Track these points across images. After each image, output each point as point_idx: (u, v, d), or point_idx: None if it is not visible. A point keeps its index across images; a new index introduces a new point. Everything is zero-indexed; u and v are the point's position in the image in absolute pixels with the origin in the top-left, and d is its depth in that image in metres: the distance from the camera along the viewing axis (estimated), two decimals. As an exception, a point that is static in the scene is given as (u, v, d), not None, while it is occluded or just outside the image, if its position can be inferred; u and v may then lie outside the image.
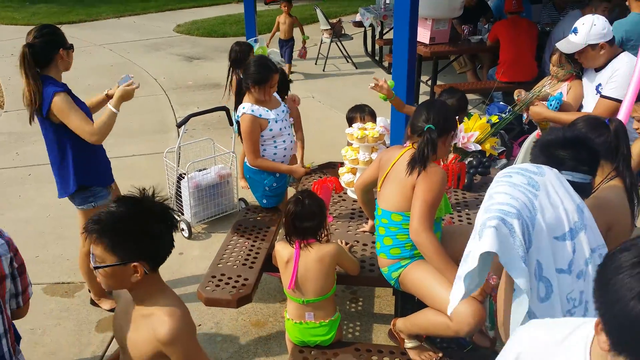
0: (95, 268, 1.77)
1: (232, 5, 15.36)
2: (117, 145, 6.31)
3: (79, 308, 3.76)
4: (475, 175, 3.67)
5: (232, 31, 12.08)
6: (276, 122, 3.60)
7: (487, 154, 3.38)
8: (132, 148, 6.16)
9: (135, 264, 1.74)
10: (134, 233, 1.73)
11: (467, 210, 3.37)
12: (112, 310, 3.73)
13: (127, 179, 3.87)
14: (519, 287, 1.75)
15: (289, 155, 3.77)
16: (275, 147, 3.66)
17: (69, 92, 3.16)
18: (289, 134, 3.72)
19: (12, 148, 6.36)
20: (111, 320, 3.62)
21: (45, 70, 3.14)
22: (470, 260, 1.83)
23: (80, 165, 3.29)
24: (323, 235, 2.67)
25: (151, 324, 1.77)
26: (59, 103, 3.06)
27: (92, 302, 3.80)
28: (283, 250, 2.70)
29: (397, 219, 2.58)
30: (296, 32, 8.90)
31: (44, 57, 3.11)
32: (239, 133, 3.69)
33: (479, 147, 3.21)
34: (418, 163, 2.49)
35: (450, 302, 1.96)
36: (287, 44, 8.70)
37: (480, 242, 1.78)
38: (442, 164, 3.35)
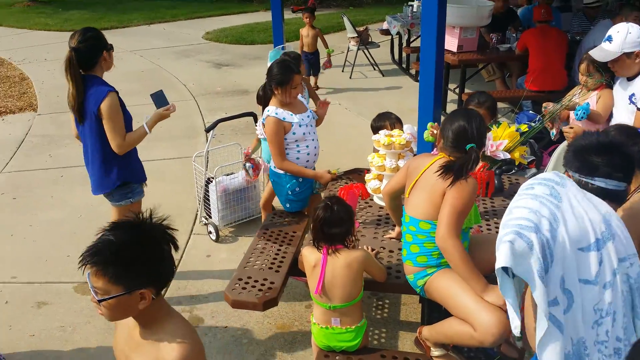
0: (100, 301, 1.65)
1: (260, 13, 15.52)
2: (147, 148, 6.42)
3: (108, 307, 3.83)
4: (502, 175, 3.65)
5: (260, 39, 12.20)
6: (300, 126, 3.64)
7: (517, 163, 3.36)
8: (162, 152, 6.27)
9: (142, 291, 1.65)
10: (139, 260, 1.64)
11: (495, 219, 3.35)
12: None
13: (157, 182, 3.95)
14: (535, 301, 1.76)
15: (312, 161, 3.80)
16: (299, 151, 3.70)
17: (117, 94, 3.29)
18: (313, 140, 3.76)
19: (45, 150, 6.52)
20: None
21: (91, 71, 3.28)
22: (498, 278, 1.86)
23: (123, 161, 3.40)
24: (351, 241, 2.69)
25: (159, 350, 1.69)
26: (109, 101, 3.19)
27: None
28: (310, 256, 2.72)
29: (425, 227, 2.58)
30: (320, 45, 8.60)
31: (90, 59, 3.24)
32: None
33: (508, 156, 3.19)
34: (455, 176, 2.47)
35: (512, 329, 1.95)
36: (312, 56, 8.50)
37: (497, 258, 1.80)
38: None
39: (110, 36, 12.05)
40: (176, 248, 1.76)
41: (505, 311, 2.36)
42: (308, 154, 3.74)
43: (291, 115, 3.62)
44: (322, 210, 2.62)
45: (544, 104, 3.94)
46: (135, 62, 10.41)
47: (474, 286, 2.43)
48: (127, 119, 3.36)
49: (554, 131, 4.04)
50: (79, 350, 3.44)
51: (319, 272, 2.64)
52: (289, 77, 3.53)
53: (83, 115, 3.28)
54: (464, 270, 2.44)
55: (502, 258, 1.77)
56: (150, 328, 1.74)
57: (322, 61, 9.02)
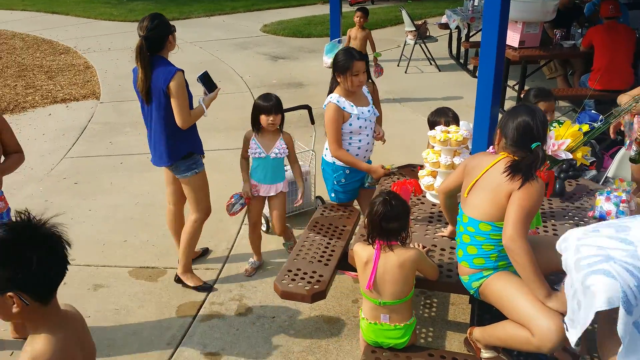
0: None
1: (317, 6, 15.54)
2: (204, 139, 6.55)
3: (161, 292, 3.94)
4: (566, 179, 3.52)
5: (317, 32, 12.22)
6: (358, 119, 3.63)
7: (578, 164, 3.23)
8: (218, 142, 6.38)
9: (10, 294, 1.58)
10: (5, 262, 1.57)
11: (553, 220, 3.23)
12: (196, 287, 3.94)
13: (211, 172, 4.03)
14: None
15: (363, 156, 3.77)
16: (350, 143, 3.69)
17: (183, 73, 3.53)
18: (367, 135, 3.73)
19: (107, 137, 6.74)
20: (191, 306, 3.77)
21: (158, 53, 3.52)
22: (582, 322, 1.89)
23: (186, 134, 3.65)
24: (405, 237, 2.66)
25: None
26: (177, 80, 3.45)
27: (177, 279, 4.00)
28: (362, 252, 2.70)
29: (486, 228, 2.50)
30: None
31: (158, 44, 3.49)
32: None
33: (570, 156, 3.07)
34: (524, 177, 2.39)
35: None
36: None
37: (592, 301, 1.82)
38: None
39: (171, 27, 11.90)
40: (61, 254, 1.71)
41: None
42: (359, 147, 3.72)
43: (352, 106, 3.62)
44: (381, 205, 2.58)
45: (619, 97, 3.76)
46: (194, 54, 10.62)
47: (537, 291, 2.35)
48: (189, 97, 3.60)
49: (627, 140, 3.88)
50: (132, 334, 3.54)
51: (370, 268, 2.62)
52: (350, 63, 3.52)
53: (150, 96, 3.52)
54: (529, 273, 2.35)
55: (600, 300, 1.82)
56: (30, 335, 1.68)
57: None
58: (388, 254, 2.60)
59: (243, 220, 4.80)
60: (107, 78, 9.06)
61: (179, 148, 3.65)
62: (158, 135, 3.65)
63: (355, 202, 4.03)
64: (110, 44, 11.30)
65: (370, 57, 7.30)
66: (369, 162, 3.85)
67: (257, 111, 3.80)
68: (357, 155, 3.73)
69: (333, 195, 3.89)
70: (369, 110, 3.71)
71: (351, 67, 3.52)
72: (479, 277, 2.57)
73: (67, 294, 3.90)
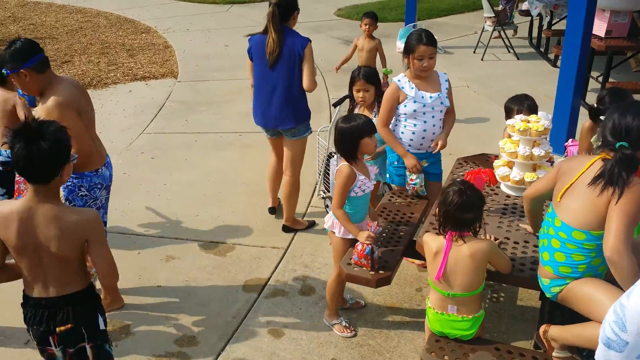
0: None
1: (393, -10, 15.29)
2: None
3: (229, 267, 4.05)
4: None
5: (392, 16, 12.04)
6: (414, 102, 3.53)
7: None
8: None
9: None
10: None
11: None
12: (306, 228, 4.47)
13: (269, 155, 4.09)
14: None
15: (418, 144, 3.63)
16: (405, 126, 3.62)
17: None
18: (425, 122, 3.57)
19: (183, 115, 6.95)
20: (257, 283, 3.86)
21: (286, 24, 3.95)
22: None
23: (306, 100, 4.16)
24: (478, 228, 2.59)
25: None
26: (310, 47, 3.95)
27: (285, 228, 4.43)
28: (432, 242, 2.65)
29: (580, 237, 2.36)
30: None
31: (287, 13, 3.94)
32: None
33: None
34: (612, 184, 2.23)
35: None
36: None
37: None
38: None
39: (249, 9, 12.52)
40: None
41: None
42: (413, 133, 3.60)
43: (412, 88, 3.54)
44: (457, 195, 2.51)
45: None
46: (268, 36, 10.71)
47: None
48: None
49: None
50: (200, 305, 3.67)
51: (441, 259, 2.58)
52: (414, 46, 3.45)
53: (278, 60, 3.93)
54: (631, 284, 2.23)
55: None
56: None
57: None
58: (459, 245, 2.55)
59: (309, 204, 4.85)
60: (185, 58, 9.31)
61: (302, 112, 4.12)
62: (282, 100, 4.04)
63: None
64: (189, 24, 11.59)
65: (380, 74, 4.90)
66: (428, 153, 3.67)
67: (357, 137, 3.06)
68: (411, 140, 3.62)
69: (387, 176, 3.89)
70: (431, 97, 3.54)
71: (415, 51, 3.44)
72: (561, 284, 2.46)
73: (140, 264, 4.09)
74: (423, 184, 3.64)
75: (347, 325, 3.40)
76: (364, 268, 2.98)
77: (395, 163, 3.75)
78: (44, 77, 3.00)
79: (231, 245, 4.30)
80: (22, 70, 2.93)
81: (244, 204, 4.88)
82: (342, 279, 3.22)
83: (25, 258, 2.19)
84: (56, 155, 2.11)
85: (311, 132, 4.25)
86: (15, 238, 2.14)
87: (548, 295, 2.55)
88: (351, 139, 3.05)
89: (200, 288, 3.84)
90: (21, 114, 3.77)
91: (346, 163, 3.08)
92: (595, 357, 1.76)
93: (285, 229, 4.43)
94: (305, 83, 3.96)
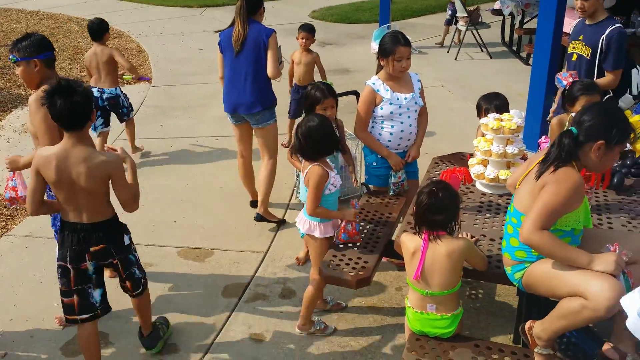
0: None
1: (366, -8, 15.37)
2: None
3: (209, 272, 4.02)
4: (627, 175, 3.39)
5: (365, 17, 12.10)
6: (390, 104, 3.58)
7: (637, 155, 3.11)
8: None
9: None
10: None
11: (608, 213, 3.13)
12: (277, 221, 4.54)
13: (256, 157, 4.06)
14: None
15: (396, 144, 3.68)
16: (382, 127, 3.65)
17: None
18: (402, 123, 3.63)
19: (158, 120, 6.89)
20: (237, 287, 3.84)
21: (253, 17, 4.23)
22: None
23: (271, 87, 4.36)
24: (455, 228, 2.62)
25: None
26: (274, 36, 4.21)
27: (259, 218, 4.52)
28: (409, 242, 2.68)
29: None
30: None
31: (254, 8, 4.23)
32: None
33: (629, 147, 2.97)
34: (547, 163, 2.37)
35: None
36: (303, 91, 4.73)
37: None
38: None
39: (223, 12, 12.43)
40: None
41: (615, 276, 2.26)
42: (391, 134, 3.64)
43: (387, 90, 3.57)
44: (427, 196, 2.56)
45: None
46: (242, 39, 10.68)
47: (579, 262, 2.32)
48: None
49: None
50: (180, 311, 3.63)
51: (418, 258, 2.60)
52: (393, 47, 3.48)
53: (243, 47, 4.18)
54: (562, 254, 2.34)
55: None
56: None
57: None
58: (436, 244, 2.58)
59: (288, 206, 4.84)
60: (159, 62, 9.23)
61: (267, 97, 4.31)
62: (249, 85, 4.24)
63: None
64: (162, 29, 11.50)
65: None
66: (405, 152, 3.73)
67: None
68: (389, 141, 3.67)
69: (367, 177, 3.91)
70: (405, 98, 3.60)
71: (394, 52, 3.47)
72: (521, 268, 2.53)
73: (118, 271, 4.03)
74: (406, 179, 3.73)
75: (323, 326, 3.40)
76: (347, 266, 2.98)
77: (375, 164, 3.78)
78: (48, 73, 3.16)
79: (210, 251, 4.27)
80: (34, 60, 3.08)
81: (222, 209, 4.85)
82: (322, 285, 3.24)
83: (62, 191, 2.73)
84: (88, 105, 2.65)
85: (275, 120, 4.42)
86: (54, 174, 2.67)
87: (515, 284, 2.61)
88: (320, 138, 3.08)
89: (179, 295, 3.81)
90: (120, 59, 5.33)
91: (316, 163, 3.09)
92: (627, 325, 1.78)
93: (259, 218, 4.52)
94: (269, 70, 4.18)
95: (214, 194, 5.12)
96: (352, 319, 3.51)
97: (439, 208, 2.54)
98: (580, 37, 4.22)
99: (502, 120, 3.27)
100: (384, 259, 3.70)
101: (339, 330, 3.42)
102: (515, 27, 9.09)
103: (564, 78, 4.05)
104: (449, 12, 9.40)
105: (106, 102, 5.42)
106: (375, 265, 3.06)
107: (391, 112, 3.59)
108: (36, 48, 3.08)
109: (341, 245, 3.16)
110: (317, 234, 3.19)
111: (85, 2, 14.66)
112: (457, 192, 2.68)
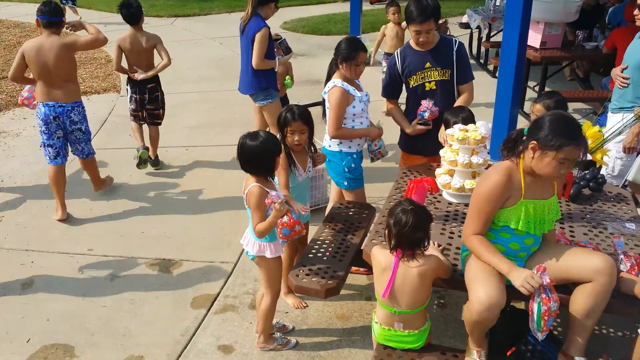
0: None
1: (338, 4, 15.51)
2: (220, 133, 6.59)
3: (177, 284, 3.98)
4: (585, 187, 3.48)
5: (337, 29, 12.21)
6: (360, 101, 3.78)
7: (598, 165, 3.20)
8: (233, 138, 6.39)
9: None
10: None
11: (570, 222, 3.21)
12: None
13: (224, 170, 4.05)
14: None
15: (364, 140, 3.92)
16: (353, 126, 3.82)
17: (269, 29, 4.87)
18: (366, 118, 3.87)
19: (126, 130, 6.78)
20: (206, 298, 3.80)
21: (259, 10, 4.85)
22: None
23: (267, 72, 4.98)
24: (427, 245, 2.61)
25: None
26: (262, 33, 4.78)
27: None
28: (381, 257, 2.65)
29: None
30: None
31: (262, 1, 4.83)
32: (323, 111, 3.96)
33: (589, 157, 3.05)
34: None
35: None
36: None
37: None
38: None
39: (193, 22, 12.36)
40: None
41: (527, 296, 2.41)
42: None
43: (353, 90, 3.75)
44: (412, 215, 2.49)
45: (636, 110, 3.71)
46: (215, 49, 10.67)
47: (499, 268, 2.49)
48: (271, 48, 4.95)
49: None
50: (147, 323, 3.58)
51: (388, 276, 2.58)
52: (356, 53, 3.65)
53: (243, 34, 4.93)
54: (486, 259, 2.52)
55: None
56: None
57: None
58: (407, 265, 2.56)
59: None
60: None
61: (259, 81, 4.97)
62: (244, 68, 5.05)
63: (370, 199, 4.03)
64: (131, 38, 11.39)
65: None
66: (368, 144, 3.98)
67: (276, 153, 3.01)
68: (360, 139, 3.89)
69: (346, 183, 3.91)
70: (366, 95, 3.87)
71: (356, 58, 3.67)
72: (465, 249, 2.73)
73: (83, 283, 3.97)
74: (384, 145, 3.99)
75: (285, 341, 3.36)
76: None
77: (353, 165, 3.86)
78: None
79: (178, 262, 4.23)
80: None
81: (191, 219, 4.81)
82: (277, 298, 3.20)
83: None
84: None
85: (271, 101, 5.05)
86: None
87: (462, 269, 2.77)
88: (270, 156, 2.93)
89: (147, 306, 3.75)
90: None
91: (256, 184, 2.90)
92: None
93: None
94: (253, 61, 4.86)
95: (183, 204, 5.07)
96: (322, 329, 3.51)
97: (421, 224, 2.52)
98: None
99: (467, 131, 3.33)
100: (353, 271, 3.72)
101: (308, 340, 3.41)
102: (483, 41, 9.27)
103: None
104: None
105: None
106: (344, 275, 3.07)
107: (362, 109, 3.81)
108: None
109: (284, 242, 3.03)
110: (268, 255, 3.06)
111: (54, 11, 14.44)
112: (423, 201, 2.73)
